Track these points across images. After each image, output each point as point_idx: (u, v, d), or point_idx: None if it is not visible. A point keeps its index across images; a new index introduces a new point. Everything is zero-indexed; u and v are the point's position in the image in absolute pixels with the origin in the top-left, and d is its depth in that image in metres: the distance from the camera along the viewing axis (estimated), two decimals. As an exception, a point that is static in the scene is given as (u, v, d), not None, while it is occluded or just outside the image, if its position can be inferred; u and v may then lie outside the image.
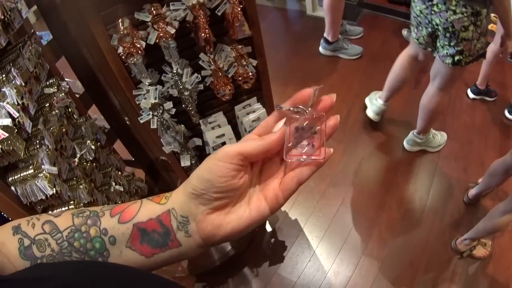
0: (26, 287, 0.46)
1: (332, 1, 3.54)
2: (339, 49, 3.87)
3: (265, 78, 1.81)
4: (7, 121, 1.29)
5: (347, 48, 3.86)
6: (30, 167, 1.40)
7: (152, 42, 1.43)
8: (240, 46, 1.59)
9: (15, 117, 1.34)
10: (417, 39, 2.58)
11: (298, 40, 4.36)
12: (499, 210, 2.23)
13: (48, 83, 1.65)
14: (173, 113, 1.66)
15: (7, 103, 1.33)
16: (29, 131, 1.42)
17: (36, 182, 1.42)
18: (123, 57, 1.42)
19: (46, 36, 2.25)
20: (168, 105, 1.62)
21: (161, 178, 2.54)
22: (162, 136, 1.73)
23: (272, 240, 2.80)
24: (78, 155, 1.70)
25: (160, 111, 1.62)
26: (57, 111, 1.60)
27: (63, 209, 0.59)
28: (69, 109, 1.71)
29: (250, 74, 1.62)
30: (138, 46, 1.40)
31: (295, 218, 2.85)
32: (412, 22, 2.60)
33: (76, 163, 1.67)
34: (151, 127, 1.65)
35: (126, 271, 0.56)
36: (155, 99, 1.59)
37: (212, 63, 1.59)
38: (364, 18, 4.32)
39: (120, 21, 1.40)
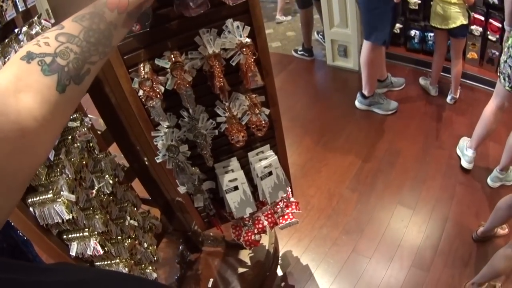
0: None
1: (370, 57, 3.61)
2: (375, 103, 3.90)
3: (278, 126, 1.88)
4: None
5: (383, 103, 3.89)
6: (50, 192, 1.47)
7: (170, 88, 1.52)
8: (254, 95, 1.67)
9: None
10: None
11: (318, 89, 4.47)
12: (500, 254, 2.22)
13: (72, 117, 1.74)
14: (188, 155, 1.74)
15: None
16: (52, 159, 1.50)
17: (54, 206, 1.49)
18: (143, 99, 1.52)
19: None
20: (184, 147, 1.70)
21: (176, 218, 2.60)
22: (177, 176, 1.80)
23: (283, 284, 2.78)
24: (96, 187, 1.77)
25: (176, 153, 1.71)
26: (79, 144, 1.68)
27: (51, 29, 0.71)
28: (90, 144, 1.79)
29: (263, 122, 1.69)
30: (157, 90, 1.48)
31: (306, 263, 2.84)
32: (502, 71, 2.67)
33: (93, 195, 1.74)
34: (167, 167, 1.73)
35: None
36: (172, 141, 1.67)
37: (227, 110, 1.67)
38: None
39: (141, 65, 1.50)
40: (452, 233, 2.87)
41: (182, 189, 1.86)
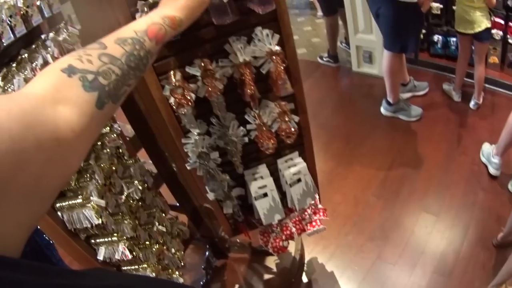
0: None
1: (392, 66, 3.55)
2: (400, 110, 3.84)
3: (306, 133, 1.84)
4: None
5: (408, 110, 3.82)
6: (79, 197, 1.46)
7: (201, 96, 1.50)
8: (283, 103, 1.63)
9: None
10: None
11: (344, 96, 4.41)
12: None
13: (103, 125, 1.74)
14: (218, 162, 1.71)
15: None
16: (81, 165, 1.49)
17: (83, 210, 1.48)
18: (174, 107, 1.49)
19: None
20: (214, 154, 1.68)
21: (204, 224, 2.58)
22: (207, 183, 1.78)
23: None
24: (126, 193, 1.76)
25: (207, 160, 1.68)
26: (108, 150, 1.67)
27: (93, 45, 0.77)
28: (120, 150, 1.78)
29: (293, 129, 1.66)
30: (189, 98, 1.46)
31: (332, 270, 2.79)
32: None
33: (123, 200, 1.73)
34: (197, 173, 1.71)
35: None
36: (203, 148, 1.65)
37: (257, 118, 1.65)
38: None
39: (172, 73, 1.48)
40: (474, 239, 2.81)
41: (211, 196, 1.83)
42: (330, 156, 3.62)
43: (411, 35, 3.34)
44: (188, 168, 1.69)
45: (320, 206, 2.14)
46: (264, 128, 1.68)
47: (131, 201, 1.80)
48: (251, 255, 2.71)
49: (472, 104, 3.82)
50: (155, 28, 0.89)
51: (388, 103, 3.85)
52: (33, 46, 1.43)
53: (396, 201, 3.15)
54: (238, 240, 2.73)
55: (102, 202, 1.52)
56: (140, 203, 1.85)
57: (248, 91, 1.49)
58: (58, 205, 1.47)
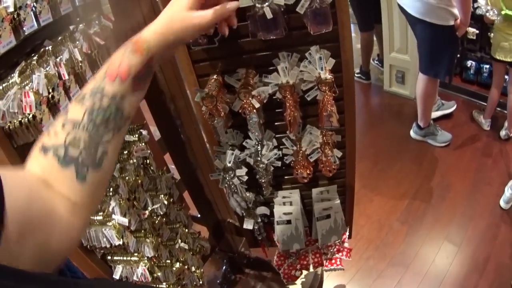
0: None
1: (426, 90, 3.32)
2: (430, 134, 3.60)
3: (350, 169, 1.63)
4: None
5: (437, 134, 3.58)
6: (100, 213, 1.27)
7: (235, 110, 1.31)
8: (330, 133, 1.42)
9: None
10: None
11: (374, 115, 4.16)
12: None
13: (129, 129, 1.54)
14: (244, 180, 1.51)
15: None
16: None
17: (103, 229, 1.29)
18: (205, 116, 1.31)
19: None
20: (241, 172, 1.48)
21: (224, 239, 2.39)
22: (229, 198, 1.60)
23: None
24: (150, 208, 1.57)
25: (231, 176, 1.49)
26: (135, 160, 1.48)
27: (61, 113, 0.79)
28: (147, 161, 1.59)
29: (333, 165, 1.46)
30: (221, 110, 1.29)
31: (351, 294, 2.59)
32: None
33: (146, 216, 1.54)
34: (219, 186, 1.52)
35: None
36: (229, 163, 1.46)
37: (296, 144, 1.44)
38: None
39: (212, 77, 1.30)
40: (492, 274, 2.58)
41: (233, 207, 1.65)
42: (357, 175, 3.31)
43: (445, 60, 3.10)
44: (211, 178, 1.50)
45: (346, 245, 1.92)
46: (301, 157, 1.47)
47: (155, 217, 1.61)
48: (269, 273, 2.51)
49: (503, 134, 3.55)
50: (113, 68, 0.71)
51: (419, 126, 3.61)
52: (60, 37, 1.22)
53: (420, 228, 2.93)
54: (257, 256, 2.52)
55: (125, 221, 1.33)
56: (164, 218, 1.66)
57: (288, 117, 1.29)
58: None
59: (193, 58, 1.31)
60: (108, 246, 1.32)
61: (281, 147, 1.48)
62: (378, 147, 3.62)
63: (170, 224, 1.75)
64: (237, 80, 1.30)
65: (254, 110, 1.28)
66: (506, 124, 3.51)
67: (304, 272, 1.98)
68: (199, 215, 2.29)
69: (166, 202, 1.65)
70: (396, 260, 2.74)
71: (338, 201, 1.61)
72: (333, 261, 1.89)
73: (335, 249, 1.89)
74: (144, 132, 1.57)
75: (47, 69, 1.13)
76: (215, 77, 1.32)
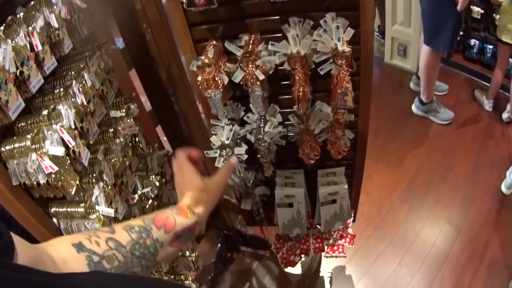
0: None
1: (429, 62, 3.13)
2: (432, 111, 3.42)
3: (361, 151, 1.43)
4: (60, 151, 0.95)
5: (440, 112, 3.40)
6: (81, 205, 1.07)
7: (236, 81, 1.11)
8: (342, 111, 1.22)
9: (70, 146, 1.01)
10: None
11: (374, 87, 3.86)
12: None
13: (115, 103, 1.33)
14: (243, 159, 1.33)
15: (62, 126, 0.99)
16: (86, 164, 1.08)
17: (85, 223, 1.10)
18: (200, 87, 1.12)
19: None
20: (240, 150, 1.30)
21: (220, 216, 2.22)
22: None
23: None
24: (139, 192, 1.38)
25: (229, 153, 1.30)
26: (122, 139, 1.27)
27: (103, 228, 0.74)
28: (136, 138, 1.39)
29: (344, 147, 1.27)
30: (219, 81, 1.10)
31: (349, 274, 2.46)
32: None
33: (135, 200, 1.36)
34: (215, 165, 1.33)
35: None
36: (227, 139, 1.28)
37: (303, 122, 1.25)
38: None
39: (210, 43, 1.11)
40: (492, 261, 2.46)
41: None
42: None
43: (446, 33, 2.92)
44: (207, 156, 1.31)
45: (350, 230, 1.75)
46: (309, 137, 1.28)
47: (145, 201, 1.41)
48: (266, 251, 2.35)
49: (505, 117, 3.38)
50: (162, 217, 0.80)
51: (421, 101, 3.43)
52: (32, 2, 1.01)
53: (421, 208, 2.78)
54: (254, 234, 2.36)
55: (111, 212, 1.13)
56: (156, 202, 1.47)
57: (296, 92, 1.09)
58: (53, 210, 1.09)
59: (190, 21, 1.12)
60: None
61: (286, 123, 1.29)
62: (378, 121, 3.40)
63: (162, 207, 1.56)
64: (239, 47, 1.09)
65: (258, 83, 1.08)
66: (508, 107, 3.33)
67: (304, 257, 1.82)
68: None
69: (157, 184, 1.46)
70: (396, 240, 2.60)
71: (346, 186, 1.43)
72: (335, 247, 1.73)
73: (338, 235, 1.72)
74: (133, 106, 1.36)
75: (16, 40, 0.93)
76: (214, 42, 1.12)
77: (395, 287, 2.38)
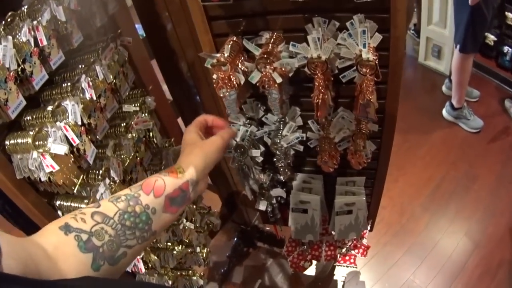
0: None
1: (459, 62, 2.97)
2: (462, 117, 3.24)
3: (383, 163, 1.30)
4: (62, 149, 0.89)
5: (469, 119, 3.21)
6: (85, 201, 1.01)
7: (253, 82, 1.02)
8: (366, 121, 1.11)
9: (74, 144, 0.94)
10: None
11: (406, 87, 3.76)
12: None
13: (132, 95, 1.26)
14: (259, 161, 1.25)
15: (67, 123, 0.92)
16: (91, 162, 1.02)
17: (88, 220, 1.04)
18: (215, 85, 1.03)
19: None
20: (255, 152, 1.20)
21: (238, 210, 2.14)
22: (240, 179, 1.32)
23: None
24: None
25: (243, 156, 1.21)
26: (134, 134, 1.20)
27: (90, 205, 0.68)
28: (150, 133, 1.31)
29: (365, 159, 1.16)
30: (234, 81, 1.00)
31: (363, 281, 2.34)
32: None
33: (145, 196, 1.29)
34: (230, 165, 1.25)
35: None
36: (242, 140, 1.18)
37: (324, 128, 1.15)
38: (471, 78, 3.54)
39: (229, 40, 1.01)
40: (504, 281, 2.30)
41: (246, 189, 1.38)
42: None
43: (462, 26, 2.81)
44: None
45: (364, 241, 1.65)
46: (328, 144, 1.18)
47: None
48: (281, 249, 2.26)
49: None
50: (150, 181, 0.74)
51: (452, 106, 3.26)
52: None
53: (441, 218, 2.64)
54: (271, 231, 2.28)
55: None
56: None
57: (315, 98, 0.99)
58: (58, 203, 1.03)
59: (209, 14, 1.02)
60: None
61: (307, 126, 1.20)
62: (408, 122, 3.26)
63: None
64: (258, 46, 1.00)
65: (276, 85, 0.99)
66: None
67: (314, 262, 1.73)
68: (211, 182, 2.04)
69: (171, 179, 1.38)
70: (413, 249, 2.48)
71: (364, 198, 1.33)
72: (347, 257, 1.64)
73: (351, 245, 1.62)
74: (150, 99, 1.28)
75: (18, 35, 0.86)
76: (234, 39, 1.02)
77: None
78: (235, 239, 2.28)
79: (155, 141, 1.33)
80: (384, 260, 2.42)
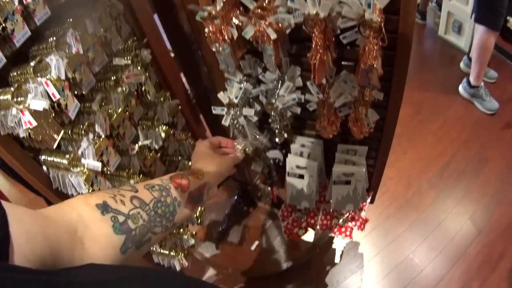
0: None
1: (482, 39, 2.78)
2: (478, 97, 3.05)
3: (388, 133, 1.21)
4: (40, 105, 0.85)
5: (485, 100, 3.02)
6: (66, 156, 0.96)
7: (246, 37, 0.93)
8: (370, 88, 1.00)
9: (55, 99, 0.89)
10: None
11: (424, 58, 3.60)
12: None
13: (125, 49, 1.17)
14: (254, 120, 1.19)
15: (48, 79, 0.87)
16: (72, 117, 0.96)
17: (69, 175, 0.99)
18: (207, 39, 0.97)
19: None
20: (249, 111, 1.14)
21: (240, 169, 2.06)
22: (232, 137, 1.25)
23: (328, 267, 2.26)
24: (140, 143, 1.25)
25: (237, 114, 1.15)
26: (125, 88, 1.13)
27: (126, 187, 0.68)
28: (143, 88, 1.24)
29: (367, 128, 1.07)
30: (225, 35, 0.95)
31: (361, 252, 2.29)
32: None
33: (135, 151, 1.22)
34: (222, 123, 1.20)
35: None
36: (236, 98, 1.12)
37: (323, 93, 1.06)
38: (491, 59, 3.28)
39: None
40: (504, 272, 2.17)
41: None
42: (397, 121, 2.91)
43: (488, 7, 2.63)
44: (214, 112, 1.18)
45: (363, 214, 1.57)
46: (327, 109, 1.09)
47: (147, 152, 1.28)
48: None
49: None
50: (178, 177, 0.80)
51: (469, 83, 3.08)
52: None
53: (448, 198, 2.51)
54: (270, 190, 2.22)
55: (98, 166, 1.02)
56: (158, 154, 1.33)
57: (313, 59, 0.89)
58: (43, 158, 0.99)
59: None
60: (75, 194, 1.02)
61: (307, 87, 1.10)
62: (423, 94, 3.12)
63: (166, 160, 1.42)
64: (254, 1, 0.90)
65: (271, 42, 0.89)
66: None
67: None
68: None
69: (163, 135, 1.31)
70: (416, 226, 2.37)
71: (364, 169, 1.25)
72: (343, 229, 1.56)
73: (349, 216, 1.55)
74: (146, 52, 1.20)
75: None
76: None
77: (402, 276, 2.18)
78: (235, 197, 2.22)
79: (148, 97, 1.25)
80: (385, 233, 2.34)
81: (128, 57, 1.13)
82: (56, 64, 0.90)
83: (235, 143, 1.09)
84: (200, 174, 0.87)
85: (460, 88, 3.15)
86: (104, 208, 0.62)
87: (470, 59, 3.11)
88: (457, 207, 2.46)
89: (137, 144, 1.22)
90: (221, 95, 1.12)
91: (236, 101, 1.11)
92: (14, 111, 0.84)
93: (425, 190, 2.54)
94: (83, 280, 0.44)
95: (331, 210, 1.54)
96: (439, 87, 3.23)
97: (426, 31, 3.88)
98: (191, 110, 1.66)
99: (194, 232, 1.57)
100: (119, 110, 1.10)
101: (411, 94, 3.10)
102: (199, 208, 1.61)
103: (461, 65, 3.35)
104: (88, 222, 0.59)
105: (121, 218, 0.63)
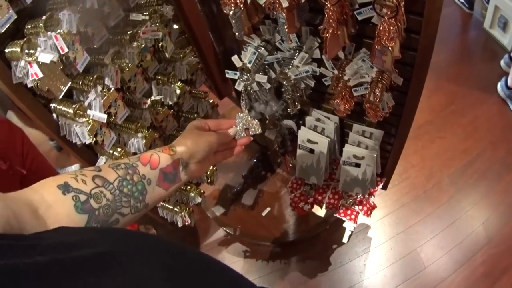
0: (61, 252, 0.40)
1: None
2: None
3: (406, 121, 1.11)
4: (48, 58, 0.83)
5: None
6: (73, 106, 0.95)
7: (261, 3, 0.87)
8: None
9: (62, 52, 0.88)
10: None
11: (466, 49, 3.37)
12: None
13: (146, 3, 1.13)
14: (267, 87, 1.13)
15: (58, 33, 0.86)
16: (80, 70, 0.94)
17: (74, 125, 0.98)
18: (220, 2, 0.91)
19: None
20: (261, 78, 1.08)
21: (261, 134, 2.01)
22: (246, 104, 1.19)
23: (334, 246, 2.20)
24: (153, 98, 1.21)
25: (249, 79, 1.09)
26: (140, 43, 1.09)
27: (89, 168, 0.64)
28: (160, 44, 1.19)
29: (382, 112, 0.99)
30: None
31: (370, 237, 2.21)
32: None
33: (147, 105, 1.19)
34: (235, 87, 1.14)
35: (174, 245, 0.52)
36: (249, 63, 1.06)
37: (337, 68, 0.98)
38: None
39: None
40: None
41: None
42: (429, 108, 2.78)
43: None
44: (227, 75, 1.12)
45: (371, 200, 1.49)
46: (342, 86, 1.01)
47: (160, 108, 1.25)
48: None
49: None
50: (147, 154, 0.74)
51: (506, 84, 2.83)
52: None
53: (465, 198, 2.35)
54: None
55: (104, 117, 0.99)
56: (171, 110, 1.30)
57: (325, 33, 0.81)
58: (53, 105, 0.99)
59: None
60: (79, 143, 1.01)
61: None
62: (459, 85, 2.92)
63: (181, 115, 1.39)
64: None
65: (284, 10, 0.82)
66: None
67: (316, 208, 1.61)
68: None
69: (178, 91, 1.27)
70: (428, 221, 2.25)
71: (375, 155, 1.17)
72: (349, 212, 1.49)
73: (356, 199, 1.48)
74: (168, 8, 1.15)
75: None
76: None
77: (405, 269, 2.09)
78: (254, 160, 2.18)
79: (166, 53, 1.20)
80: (397, 222, 2.24)
81: (146, 13, 1.08)
82: (68, 18, 0.89)
83: (236, 118, 0.98)
84: (171, 150, 0.79)
85: (499, 86, 2.93)
86: (65, 188, 0.60)
87: (511, 59, 2.88)
88: (472, 210, 2.32)
89: (149, 99, 1.19)
90: (235, 58, 1.06)
91: (249, 65, 1.05)
92: (22, 63, 0.85)
93: (445, 185, 2.40)
94: (50, 242, 0.42)
95: (339, 190, 1.48)
96: (476, 81, 3.01)
97: (472, 22, 3.59)
98: (218, 68, 1.60)
99: (202, 191, 1.54)
100: (134, 63, 1.07)
101: (447, 83, 2.93)
102: (210, 168, 1.58)
103: (502, 63, 3.10)
104: (50, 202, 0.58)
105: (82, 197, 0.60)
